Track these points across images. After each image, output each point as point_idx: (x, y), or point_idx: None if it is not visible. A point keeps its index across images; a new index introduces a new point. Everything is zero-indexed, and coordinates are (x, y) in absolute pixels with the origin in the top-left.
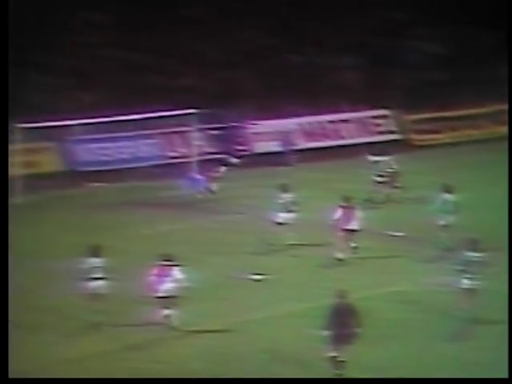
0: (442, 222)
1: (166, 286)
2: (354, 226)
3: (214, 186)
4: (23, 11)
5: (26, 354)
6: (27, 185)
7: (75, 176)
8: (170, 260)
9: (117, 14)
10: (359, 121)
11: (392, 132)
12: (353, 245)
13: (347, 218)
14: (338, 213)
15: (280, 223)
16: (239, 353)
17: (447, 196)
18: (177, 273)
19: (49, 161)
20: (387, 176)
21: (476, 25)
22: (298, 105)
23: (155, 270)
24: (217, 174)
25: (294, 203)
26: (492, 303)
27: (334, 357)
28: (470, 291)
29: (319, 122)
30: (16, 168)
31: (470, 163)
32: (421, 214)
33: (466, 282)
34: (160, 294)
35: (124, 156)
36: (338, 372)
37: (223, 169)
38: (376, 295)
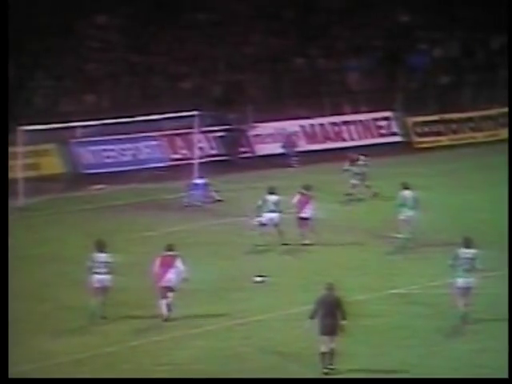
0: (402, 217)
1: (169, 277)
2: (306, 214)
3: (217, 195)
4: (28, 13)
5: (27, 354)
6: (30, 187)
7: (78, 178)
8: (172, 250)
9: (121, 16)
10: (361, 123)
11: (394, 134)
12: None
13: (302, 205)
14: (295, 199)
15: (264, 224)
16: (242, 354)
17: (406, 192)
18: (179, 264)
19: (52, 163)
20: (360, 177)
21: (480, 28)
22: (301, 107)
23: (159, 261)
24: None
25: (278, 204)
26: (492, 303)
27: (324, 353)
28: (464, 289)
29: (321, 124)
30: (18, 170)
31: (471, 166)
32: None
33: (460, 281)
34: (163, 284)
35: (127, 158)
36: (328, 366)
37: None
38: (377, 297)
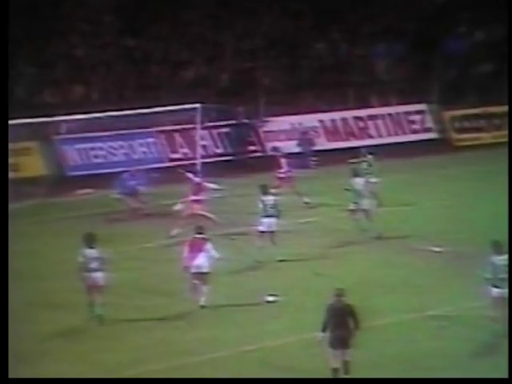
0: (352, 207)
1: (200, 262)
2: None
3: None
4: None
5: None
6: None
7: (63, 181)
8: (202, 233)
9: None
10: (390, 117)
11: (428, 130)
12: None
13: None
14: None
15: (263, 232)
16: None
17: (356, 180)
18: (209, 247)
19: (33, 164)
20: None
21: None
22: (321, 99)
23: (188, 244)
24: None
25: (276, 206)
26: None
27: (336, 368)
28: (500, 300)
29: (344, 119)
30: None
31: None
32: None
33: (495, 291)
34: (195, 270)
35: (119, 158)
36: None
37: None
38: (409, 319)
